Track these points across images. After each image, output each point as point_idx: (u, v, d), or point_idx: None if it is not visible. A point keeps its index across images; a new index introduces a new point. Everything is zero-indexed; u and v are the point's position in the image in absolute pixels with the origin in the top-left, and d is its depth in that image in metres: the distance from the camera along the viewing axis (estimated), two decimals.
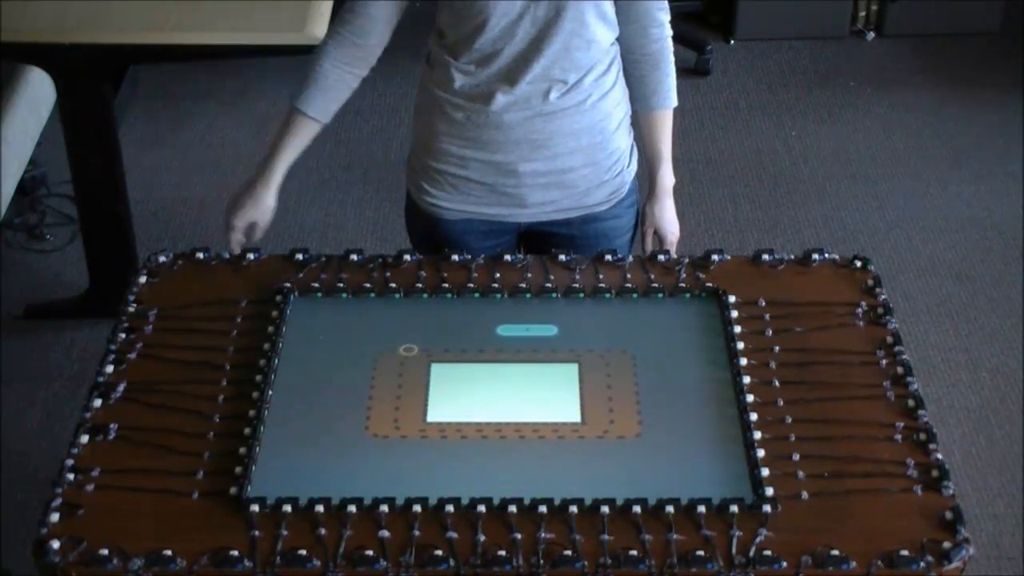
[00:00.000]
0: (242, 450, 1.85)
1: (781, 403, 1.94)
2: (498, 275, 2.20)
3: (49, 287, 3.69)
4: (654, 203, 2.41)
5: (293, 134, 2.32)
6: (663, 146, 2.38)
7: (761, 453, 1.84)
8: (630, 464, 1.86)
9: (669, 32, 2.31)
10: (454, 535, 1.72)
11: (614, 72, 2.30)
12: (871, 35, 4.91)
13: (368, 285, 2.19)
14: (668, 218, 2.42)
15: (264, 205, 2.35)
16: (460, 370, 2.03)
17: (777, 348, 2.04)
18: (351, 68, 2.29)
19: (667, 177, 2.40)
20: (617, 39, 2.28)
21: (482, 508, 1.76)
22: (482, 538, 1.72)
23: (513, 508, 1.75)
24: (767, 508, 1.76)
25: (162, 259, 2.24)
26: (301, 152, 2.34)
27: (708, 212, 4.00)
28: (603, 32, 2.23)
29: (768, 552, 1.70)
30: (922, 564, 1.69)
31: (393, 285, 2.18)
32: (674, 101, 2.36)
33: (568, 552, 1.70)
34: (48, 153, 3.96)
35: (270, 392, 1.96)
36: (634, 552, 1.70)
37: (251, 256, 2.24)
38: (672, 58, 2.34)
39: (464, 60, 2.23)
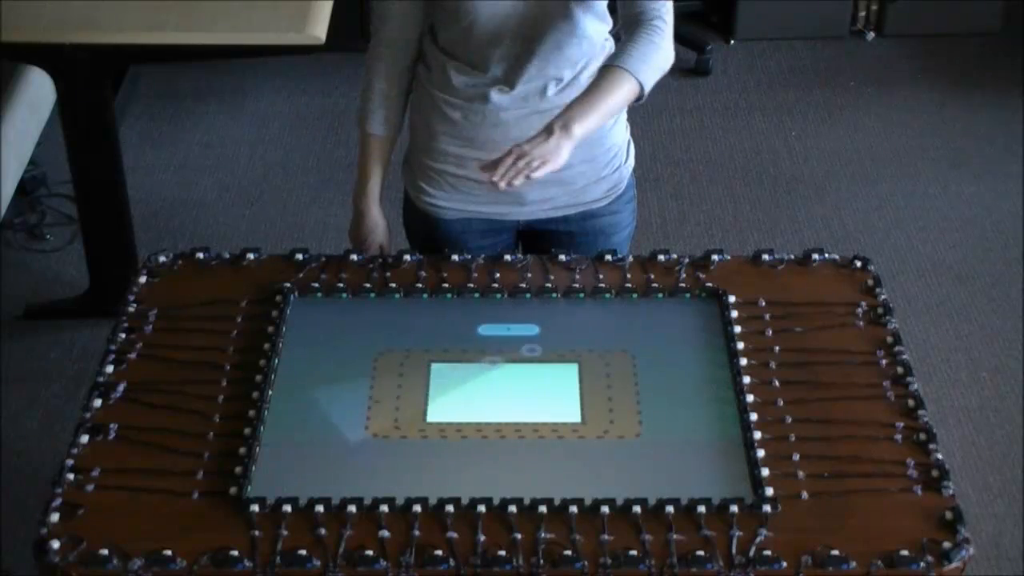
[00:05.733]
0: (242, 450, 1.86)
1: (781, 403, 1.94)
2: (498, 275, 2.20)
3: (49, 287, 3.69)
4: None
5: (372, 155, 2.34)
6: (579, 96, 2.15)
7: (761, 453, 1.84)
8: (630, 464, 1.86)
9: (662, 25, 2.19)
10: (454, 535, 1.72)
11: None
12: (871, 35, 4.91)
13: (368, 285, 2.19)
14: (528, 138, 2.10)
15: (379, 227, 2.39)
16: (460, 370, 2.03)
17: (777, 348, 2.04)
18: (400, 73, 2.30)
19: (556, 118, 2.11)
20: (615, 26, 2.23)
21: (482, 508, 1.76)
22: (482, 538, 1.72)
23: (513, 508, 1.75)
24: (767, 508, 1.76)
25: (162, 259, 2.24)
26: (387, 166, 2.36)
27: (708, 212, 4.00)
28: (594, 27, 2.22)
29: (768, 552, 1.70)
30: (922, 564, 1.69)
31: (393, 285, 2.18)
32: (629, 66, 2.15)
33: (568, 552, 1.70)
34: (48, 153, 3.95)
35: (270, 392, 1.96)
36: (634, 552, 1.70)
37: (251, 256, 2.24)
38: (655, 40, 2.17)
39: (459, 60, 2.23)
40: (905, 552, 1.70)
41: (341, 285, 2.18)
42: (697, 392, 1.98)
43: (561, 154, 2.07)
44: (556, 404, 1.95)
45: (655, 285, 2.18)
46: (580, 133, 2.09)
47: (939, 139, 4.35)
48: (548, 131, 2.08)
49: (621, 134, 2.37)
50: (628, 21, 2.21)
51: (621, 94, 2.15)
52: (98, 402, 1.95)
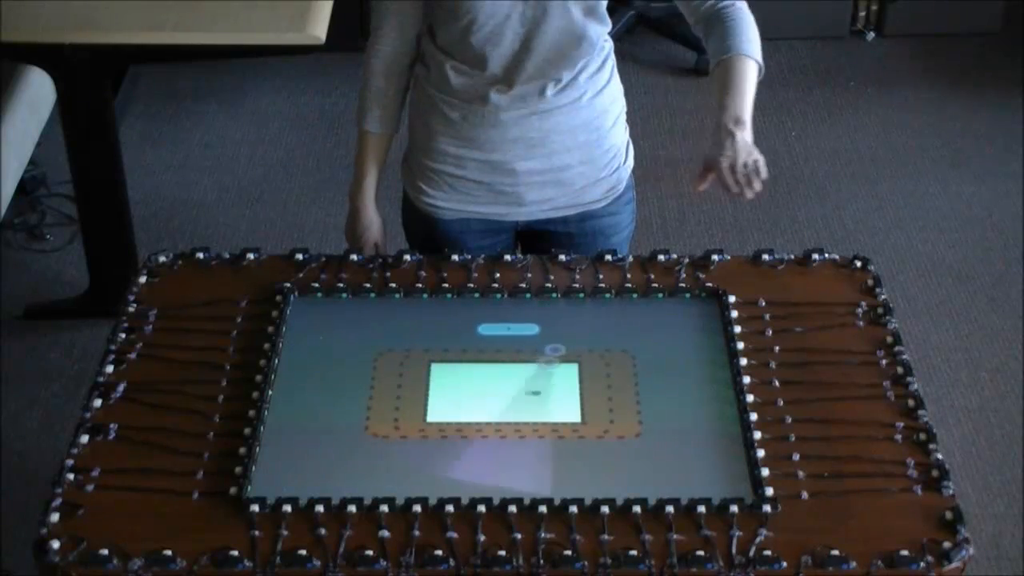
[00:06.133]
0: (242, 450, 1.86)
1: (781, 403, 1.94)
2: (498, 275, 2.20)
3: (49, 287, 3.68)
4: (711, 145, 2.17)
5: (370, 153, 2.35)
6: (723, 93, 2.19)
7: (761, 453, 1.84)
8: (630, 464, 1.86)
9: (741, 4, 2.23)
10: (454, 535, 1.72)
11: (608, 68, 2.30)
12: (871, 35, 4.91)
13: (368, 285, 2.19)
14: (720, 148, 2.14)
15: (374, 224, 2.40)
16: (460, 370, 2.03)
17: (777, 348, 2.04)
18: (399, 72, 2.31)
19: (725, 118, 2.15)
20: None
21: (482, 508, 1.76)
22: (482, 538, 1.72)
23: (513, 508, 1.75)
24: (767, 508, 1.76)
25: (162, 259, 2.24)
26: (383, 165, 2.37)
27: (708, 212, 3.99)
28: (594, 28, 2.22)
29: (768, 552, 1.70)
30: (922, 564, 1.69)
31: (393, 285, 2.18)
32: (745, 50, 2.19)
33: (568, 552, 1.70)
34: (48, 153, 3.95)
35: (270, 392, 1.96)
36: (634, 552, 1.70)
37: (251, 256, 2.24)
38: (746, 20, 2.22)
39: (458, 59, 2.23)
40: (905, 552, 1.70)
41: (341, 285, 2.18)
42: (697, 392, 1.98)
43: (753, 146, 2.13)
44: (556, 404, 1.95)
45: (655, 285, 2.18)
46: (749, 122, 2.15)
47: (939, 139, 4.35)
48: (728, 134, 2.13)
49: (620, 135, 2.37)
50: (705, 14, 2.24)
51: (752, 77, 2.20)
52: (98, 402, 1.95)
